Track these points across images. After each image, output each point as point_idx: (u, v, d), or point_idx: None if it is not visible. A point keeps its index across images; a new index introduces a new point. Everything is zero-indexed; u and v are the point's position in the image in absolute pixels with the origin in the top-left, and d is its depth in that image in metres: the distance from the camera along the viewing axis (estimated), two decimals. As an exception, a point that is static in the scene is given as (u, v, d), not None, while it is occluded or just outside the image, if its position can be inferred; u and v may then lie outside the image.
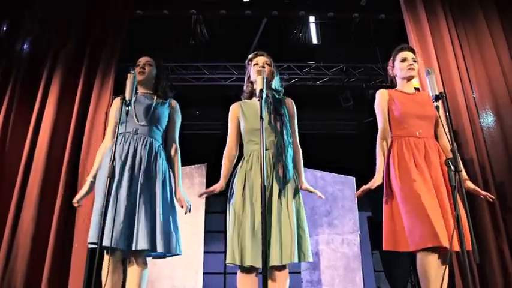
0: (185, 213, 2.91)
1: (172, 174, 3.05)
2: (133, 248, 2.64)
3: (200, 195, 2.85)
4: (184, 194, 2.99)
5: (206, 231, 6.26)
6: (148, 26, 5.99)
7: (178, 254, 2.86)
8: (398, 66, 3.15)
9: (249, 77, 3.05)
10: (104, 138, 3.56)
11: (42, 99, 3.94)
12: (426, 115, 2.99)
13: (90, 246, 2.72)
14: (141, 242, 2.63)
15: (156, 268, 5.71)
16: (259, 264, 2.46)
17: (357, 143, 7.53)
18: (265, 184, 2.29)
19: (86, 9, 4.35)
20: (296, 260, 2.53)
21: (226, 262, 2.58)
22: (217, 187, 2.82)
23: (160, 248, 2.68)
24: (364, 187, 2.91)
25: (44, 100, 3.94)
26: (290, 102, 3.02)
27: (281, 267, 2.60)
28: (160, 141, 3.05)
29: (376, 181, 2.93)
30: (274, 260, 2.48)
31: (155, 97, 3.14)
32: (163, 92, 3.19)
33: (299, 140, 2.97)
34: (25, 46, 4.17)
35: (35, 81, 4.04)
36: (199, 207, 6.18)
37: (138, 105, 3.03)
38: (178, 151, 3.13)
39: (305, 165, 2.97)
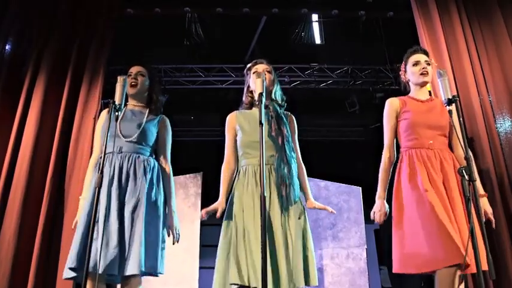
0: (173, 244, 2.88)
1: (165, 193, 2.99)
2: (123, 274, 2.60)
3: (202, 218, 2.73)
4: (176, 222, 2.93)
5: (202, 245, 6.20)
6: (140, 26, 5.98)
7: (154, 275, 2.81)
8: (410, 71, 3.11)
9: (248, 86, 3.04)
10: (91, 151, 3.52)
11: (24, 105, 3.87)
12: (439, 125, 2.95)
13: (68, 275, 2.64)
14: (130, 267, 2.60)
15: (149, 284, 5.65)
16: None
17: (363, 150, 7.50)
18: (265, 195, 2.26)
19: (71, 6, 4.30)
20: (302, 285, 2.52)
21: (233, 282, 2.55)
22: (219, 207, 2.72)
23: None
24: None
25: (27, 106, 3.87)
26: (292, 118, 3.04)
27: None
28: (148, 154, 2.98)
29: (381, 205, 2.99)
30: (284, 285, 2.47)
31: (146, 111, 3.07)
32: (156, 108, 3.12)
33: (300, 149, 2.98)
34: (7, 47, 4.12)
35: (18, 85, 3.98)
36: (194, 219, 6.14)
37: (124, 121, 2.96)
38: (171, 171, 3.06)
39: (307, 175, 2.94)
